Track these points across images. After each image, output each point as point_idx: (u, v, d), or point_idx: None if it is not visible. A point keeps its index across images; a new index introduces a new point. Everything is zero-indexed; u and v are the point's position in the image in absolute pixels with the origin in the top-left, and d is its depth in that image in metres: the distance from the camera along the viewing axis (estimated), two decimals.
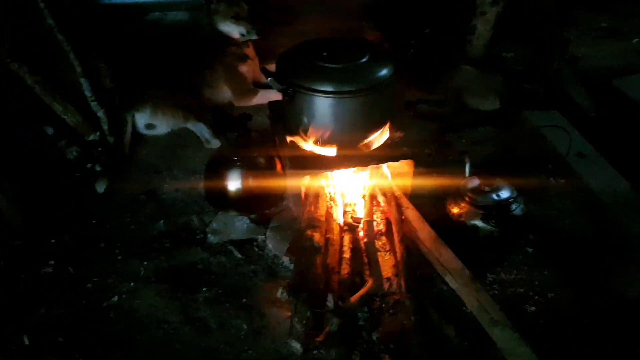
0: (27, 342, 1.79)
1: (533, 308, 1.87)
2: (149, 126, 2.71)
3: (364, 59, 2.00)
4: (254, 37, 2.77)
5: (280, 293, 1.67)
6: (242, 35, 2.78)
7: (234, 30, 2.76)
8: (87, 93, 2.58)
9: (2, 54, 2.38)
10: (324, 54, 2.01)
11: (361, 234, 2.15)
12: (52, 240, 2.20)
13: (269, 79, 1.99)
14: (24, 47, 2.48)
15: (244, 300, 1.91)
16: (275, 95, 2.05)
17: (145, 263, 2.08)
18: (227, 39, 2.81)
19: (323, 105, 2.00)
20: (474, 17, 3.04)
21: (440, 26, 3.15)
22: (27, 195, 2.32)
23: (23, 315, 1.88)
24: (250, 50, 2.93)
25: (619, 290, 1.91)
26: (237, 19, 2.72)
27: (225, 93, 2.95)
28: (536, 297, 1.91)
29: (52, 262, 2.09)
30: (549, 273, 2.00)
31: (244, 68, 2.91)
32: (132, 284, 1.99)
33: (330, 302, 1.70)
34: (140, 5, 2.94)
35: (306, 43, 2.16)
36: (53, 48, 2.52)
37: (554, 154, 2.49)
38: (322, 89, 1.94)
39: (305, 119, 2.07)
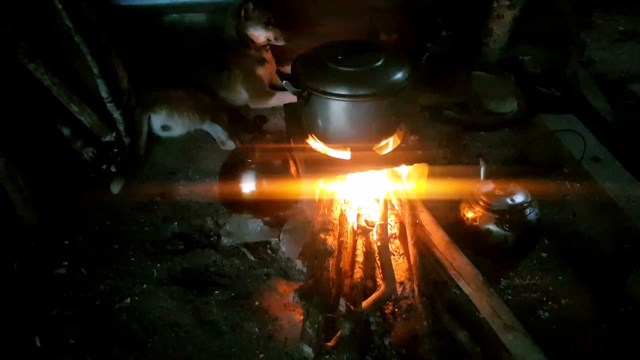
0: (38, 344, 1.80)
1: (547, 314, 1.86)
2: (165, 127, 2.72)
3: (379, 63, 2.00)
4: (282, 42, 2.84)
5: (292, 297, 1.66)
6: (269, 40, 2.84)
7: (262, 34, 2.82)
8: (104, 94, 2.60)
9: (19, 54, 2.41)
10: (339, 57, 2.01)
11: (375, 237, 2.14)
12: (66, 242, 2.22)
13: (284, 82, 2.00)
14: (42, 48, 2.52)
15: (257, 303, 1.92)
16: (291, 98, 2.06)
17: (158, 265, 2.09)
18: (247, 42, 2.83)
19: (337, 109, 2.00)
20: (490, 20, 3.02)
21: (457, 29, 3.13)
22: (42, 196, 2.34)
23: (35, 316, 1.90)
24: (268, 54, 2.95)
25: (634, 296, 1.88)
26: (268, 24, 2.78)
27: (242, 95, 2.96)
28: (550, 303, 1.90)
29: (66, 263, 2.11)
30: (563, 278, 1.99)
31: (261, 71, 2.93)
32: (144, 285, 2.00)
33: (342, 306, 1.69)
34: (158, 7, 2.95)
35: (321, 46, 2.16)
36: (70, 49, 2.55)
37: (570, 157, 2.47)
38: (336, 92, 1.94)
39: (320, 122, 2.08)
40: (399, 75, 1.99)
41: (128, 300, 1.95)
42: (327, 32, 2.99)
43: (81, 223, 2.32)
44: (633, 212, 2.14)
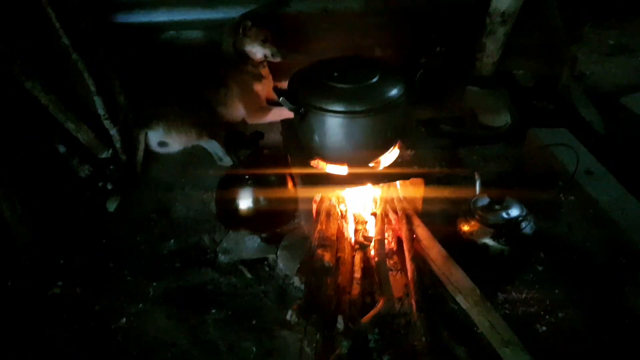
0: None
1: (544, 328, 1.86)
2: (162, 144, 2.73)
3: (375, 79, 2.01)
4: (279, 59, 2.88)
5: (289, 315, 1.66)
6: (266, 57, 2.88)
7: (259, 51, 2.86)
8: (101, 111, 2.61)
9: (17, 73, 2.42)
10: (335, 74, 2.03)
11: (372, 252, 2.14)
12: (61, 260, 2.21)
13: (281, 98, 2.01)
14: (39, 66, 2.53)
15: (254, 322, 1.91)
16: (288, 113, 2.07)
17: (154, 283, 2.08)
18: (244, 58, 2.86)
19: (334, 125, 2.01)
20: (483, 35, 3.06)
21: (450, 44, 3.17)
22: (37, 214, 2.33)
23: (30, 338, 1.88)
24: (265, 70, 2.98)
25: (631, 308, 1.89)
26: (265, 41, 2.82)
27: (239, 111, 2.98)
28: (547, 317, 1.90)
29: (61, 283, 2.10)
30: (559, 291, 1.99)
31: (258, 86, 2.96)
32: (140, 305, 1.99)
33: (340, 323, 1.69)
34: (155, 24, 2.97)
35: (317, 63, 2.18)
36: (68, 67, 2.56)
37: (563, 170, 2.49)
38: (333, 108, 1.95)
39: (316, 138, 2.09)
40: (394, 92, 2.00)
41: (124, 320, 1.93)
42: (323, 48, 3.04)
43: (76, 241, 2.32)
44: (627, 224, 2.15)
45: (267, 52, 2.86)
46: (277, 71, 3.06)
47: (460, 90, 3.05)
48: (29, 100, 2.52)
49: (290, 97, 2.02)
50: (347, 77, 2.01)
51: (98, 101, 2.58)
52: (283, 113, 2.68)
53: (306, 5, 3.00)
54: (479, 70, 3.17)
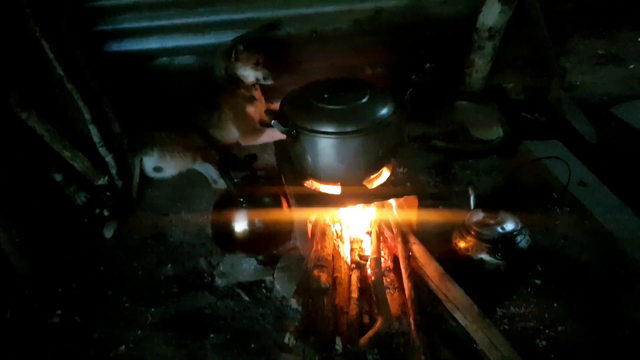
0: None
1: (544, 342, 1.86)
2: (157, 169, 2.74)
3: (364, 99, 2.04)
4: (270, 82, 2.91)
5: (287, 338, 1.65)
6: (258, 80, 2.90)
7: (251, 75, 2.88)
8: (96, 139, 2.63)
9: (12, 104, 2.44)
10: (325, 95, 2.05)
11: (369, 271, 2.14)
12: (60, 289, 2.21)
13: (273, 121, 2.03)
14: (34, 96, 2.55)
15: (252, 345, 1.91)
16: (280, 135, 2.09)
17: (152, 310, 2.08)
18: (236, 82, 2.90)
19: (326, 146, 2.03)
20: (471, 51, 3.10)
21: (440, 60, 3.21)
22: (35, 243, 2.34)
23: None
24: (257, 92, 3.01)
25: (631, 320, 1.89)
26: (257, 65, 2.86)
27: (232, 133, 3.00)
28: (547, 331, 1.89)
29: (59, 312, 2.10)
30: (558, 305, 1.99)
31: (251, 109, 2.98)
32: (139, 332, 1.99)
33: (339, 345, 1.68)
34: (148, 51, 3.02)
35: (308, 85, 2.20)
36: (63, 96, 2.59)
37: (557, 183, 2.50)
38: (324, 130, 1.97)
39: (309, 159, 2.10)
40: (384, 111, 2.02)
41: (123, 347, 1.93)
42: (314, 69, 3.07)
43: (74, 269, 2.32)
44: (622, 235, 2.16)
45: (259, 75, 2.89)
46: (269, 93, 3.10)
47: (451, 106, 3.07)
48: (24, 131, 2.54)
49: (282, 119, 2.05)
50: (337, 98, 2.03)
51: (93, 129, 2.60)
52: (276, 135, 2.69)
53: (296, 27, 3.05)
54: (469, 85, 3.21)
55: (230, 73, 2.88)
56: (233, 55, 2.83)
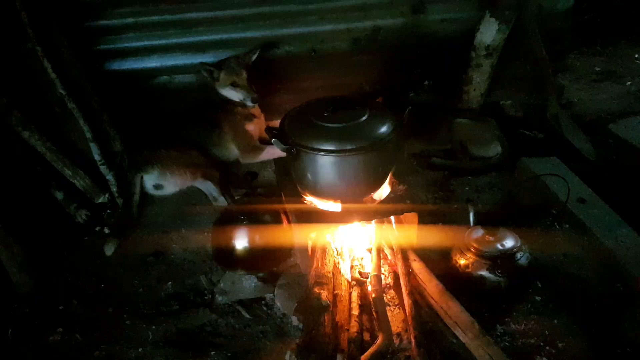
0: None
1: (544, 359, 1.85)
2: (158, 187, 2.76)
3: (364, 118, 2.06)
4: (250, 104, 2.86)
5: (288, 356, 1.66)
6: (240, 100, 2.88)
7: (233, 95, 2.87)
8: (97, 157, 2.65)
9: (14, 123, 2.47)
10: (325, 113, 2.08)
11: (369, 288, 2.14)
12: (61, 307, 2.21)
13: (273, 140, 2.05)
14: (36, 115, 2.58)
15: None
16: (280, 152, 2.11)
17: (153, 327, 2.08)
18: (227, 100, 2.91)
19: (326, 163, 2.05)
20: (469, 68, 3.13)
21: (438, 78, 3.24)
22: (36, 261, 2.34)
23: None
24: (256, 109, 3.01)
25: (631, 336, 1.89)
26: (234, 86, 2.82)
27: (232, 151, 3.02)
28: (547, 348, 1.89)
29: (60, 330, 2.09)
30: (558, 321, 1.98)
31: (250, 126, 2.99)
32: (140, 349, 1.98)
33: None
34: (148, 70, 3.05)
35: (308, 103, 2.24)
36: (64, 115, 2.61)
37: (556, 199, 2.51)
38: (324, 148, 1.99)
39: (309, 176, 2.12)
40: (383, 129, 2.05)
41: None
42: (313, 87, 3.11)
43: (75, 287, 2.32)
44: (621, 251, 2.16)
45: (240, 96, 2.85)
46: (269, 110, 3.12)
47: (449, 123, 3.10)
48: (25, 149, 2.56)
49: (282, 137, 2.07)
50: (337, 117, 2.06)
51: (94, 147, 2.62)
52: (276, 152, 2.72)
53: (294, 46, 3.09)
54: (468, 103, 3.23)
55: (218, 93, 2.90)
56: (211, 76, 2.83)
